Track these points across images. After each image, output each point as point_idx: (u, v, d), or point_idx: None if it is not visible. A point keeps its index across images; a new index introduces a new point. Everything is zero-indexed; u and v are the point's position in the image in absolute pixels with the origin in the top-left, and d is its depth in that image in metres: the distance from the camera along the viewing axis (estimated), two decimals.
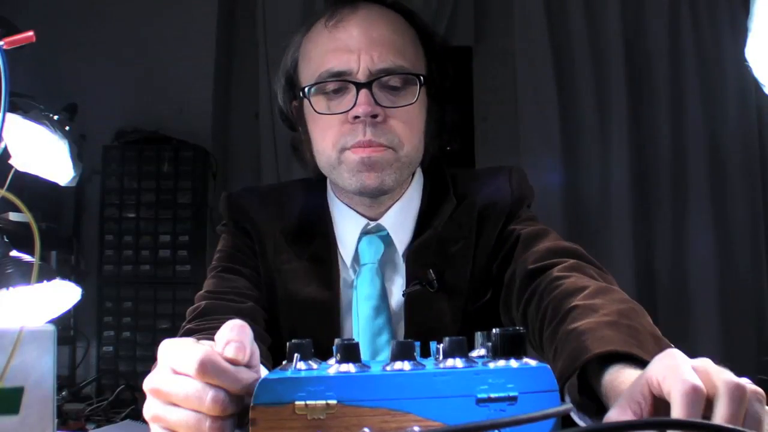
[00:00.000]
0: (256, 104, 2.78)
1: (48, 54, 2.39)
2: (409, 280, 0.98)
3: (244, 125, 2.84)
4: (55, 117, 1.17)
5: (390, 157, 0.94)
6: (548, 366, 0.51)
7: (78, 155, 1.22)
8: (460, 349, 0.53)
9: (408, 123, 0.95)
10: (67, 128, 1.19)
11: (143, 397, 0.59)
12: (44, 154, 1.14)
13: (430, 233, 1.00)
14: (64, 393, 1.94)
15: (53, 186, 1.20)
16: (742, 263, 2.66)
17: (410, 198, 1.02)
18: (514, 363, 0.51)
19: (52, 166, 1.16)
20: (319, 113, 0.95)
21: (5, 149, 1.03)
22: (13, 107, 1.10)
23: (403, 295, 0.98)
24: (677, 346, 0.60)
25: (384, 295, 0.98)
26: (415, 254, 0.99)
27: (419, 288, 0.97)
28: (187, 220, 2.47)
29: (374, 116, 0.92)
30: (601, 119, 2.74)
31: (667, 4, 2.75)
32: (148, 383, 0.57)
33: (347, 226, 1.01)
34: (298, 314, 1.00)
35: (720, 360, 0.54)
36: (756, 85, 0.92)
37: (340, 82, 0.94)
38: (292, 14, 2.76)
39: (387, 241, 1.00)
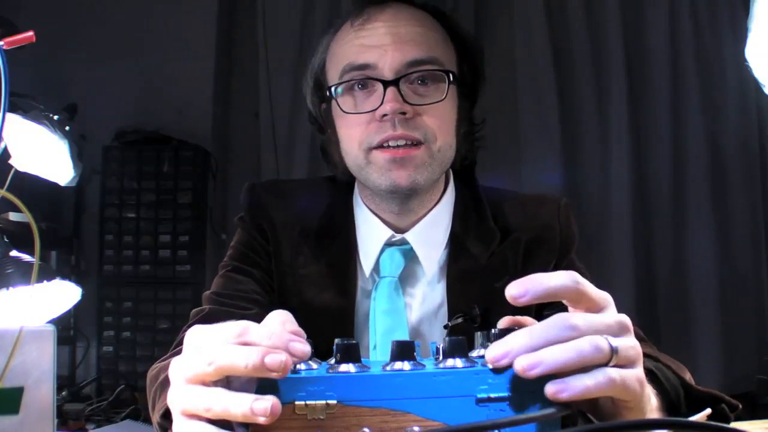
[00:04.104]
0: (256, 104, 2.78)
1: (48, 54, 2.39)
2: (451, 311, 0.95)
3: (244, 125, 2.84)
4: (55, 117, 1.17)
5: (422, 154, 0.91)
6: None
7: (78, 155, 1.22)
8: (460, 349, 0.52)
9: (439, 119, 0.92)
10: (67, 128, 1.19)
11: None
12: (44, 154, 1.14)
13: (472, 264, 0.96)
14: (64, 393, 1.95)
15: (53, 186, 1.20)
16: (742, 264, 2.66)
17: (440, 214, 0.99)
18: None
19: (52, 166, 1.16)
20: (345, 112, 0.93)
21: (5, 149, 1.03)
22: (13, 107, 1.10)
23: (445, 327, 0.95)
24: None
25: (403, 310, 0.96)
26: (457, 285, 0.96)
27: (461, 322, 0.93)
28: (187, 220, 2.47)
29: (402, 113, 0.89)
30: (601, 119, 2.74)
31: (667, 5, 2.75)
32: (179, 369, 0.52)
33: (371, 235, 0.98)
34: (312, 320, 0.97)
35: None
36: (756, 85, 0.92)
37: (365, 78, 0.91)
38: (292, 14, 2.76)
39: (409, 255, 0.97)
